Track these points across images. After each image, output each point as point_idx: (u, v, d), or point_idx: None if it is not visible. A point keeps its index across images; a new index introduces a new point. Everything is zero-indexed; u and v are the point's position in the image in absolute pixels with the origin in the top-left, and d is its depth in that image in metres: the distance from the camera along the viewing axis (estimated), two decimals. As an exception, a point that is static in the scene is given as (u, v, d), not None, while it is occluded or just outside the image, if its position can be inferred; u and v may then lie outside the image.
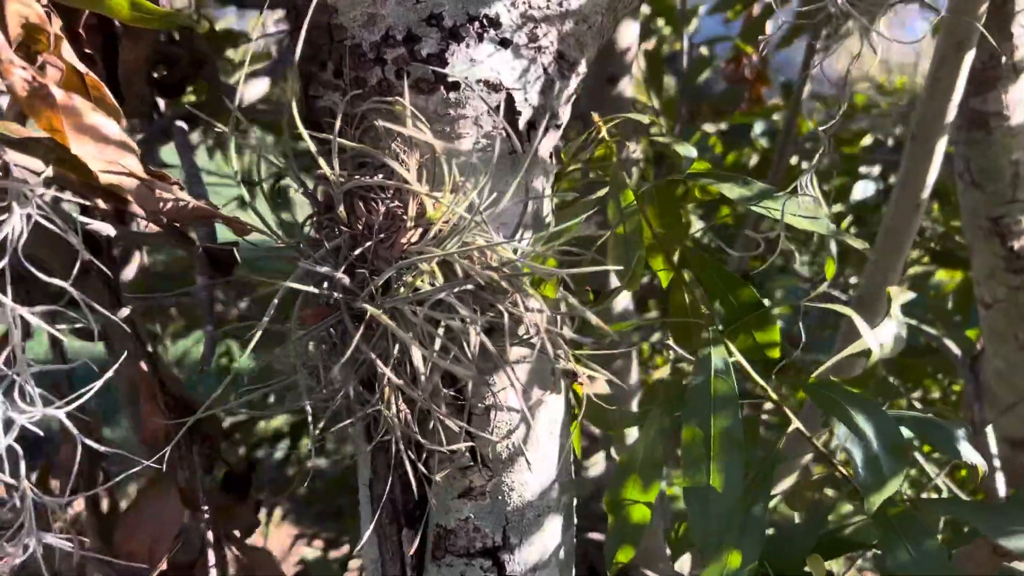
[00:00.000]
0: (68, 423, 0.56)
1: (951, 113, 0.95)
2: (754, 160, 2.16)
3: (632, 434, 1.49)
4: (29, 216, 0.50)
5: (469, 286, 0.61)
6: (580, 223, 0.61)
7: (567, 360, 0.61)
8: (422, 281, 0.62)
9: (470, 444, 0.72)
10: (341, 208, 0.65)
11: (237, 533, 0.88)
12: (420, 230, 0.62)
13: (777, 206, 0.73)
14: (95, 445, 0.56)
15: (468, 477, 0.76)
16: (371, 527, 0.78)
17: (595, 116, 0.78)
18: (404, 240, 0.62)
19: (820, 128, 0.70)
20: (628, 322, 0.71)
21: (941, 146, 0.98)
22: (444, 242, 0.61)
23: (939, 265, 1.94)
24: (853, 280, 2.12)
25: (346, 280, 0.60)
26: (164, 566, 0.78)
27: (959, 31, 0.92)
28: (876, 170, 2.23)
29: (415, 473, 0.78)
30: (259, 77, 1.15)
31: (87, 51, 0.66)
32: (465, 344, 0.62)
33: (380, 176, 0.65)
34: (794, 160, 1.98)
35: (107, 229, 0.63)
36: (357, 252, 0.64)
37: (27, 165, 0.52)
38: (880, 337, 0.85)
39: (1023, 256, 1.25)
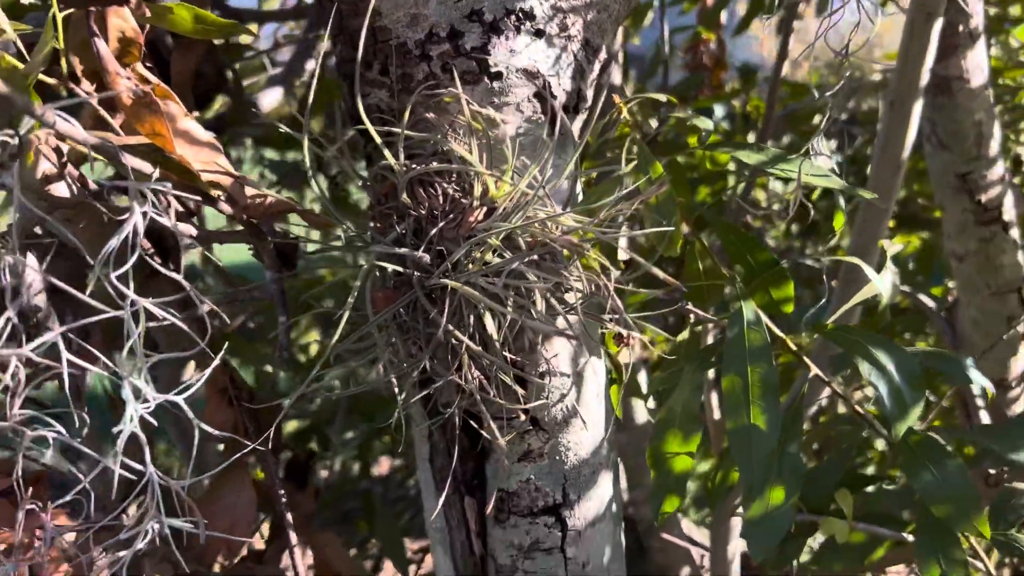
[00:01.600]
0: (187, 409, 0.60)
1: (925, 78, 1.03)
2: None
3: (639, 407, 1.56)
4: (145, 214, 0.54)
5: (534, 256, 0.66)
6: (618, 196, 0.66)
7: (625, 324, 0.67)
8: (491, 255, 0.67)
9: (537, 403, 0.77)
10: (404, 195, 0.70)
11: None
12: (485, 209, 0.68)
13: (792, 167, 0.79)
14: (211, 430, 0.61)
15: (527, 441, 0.81)
16: (442, 498, 0.83)
17: (616, 98, 0.84)
18: (472, 219, 0.67)
19: (827, 94, 0.77)
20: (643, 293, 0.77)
21: (917, 109, 1.06)
22: (509, 217, 0.66)
23: (904, 228, 2.05)
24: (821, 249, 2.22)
25: (427, 259, 0.65)
26: (244, 552, 0.82)
27: (928, 3, 1.01)
28: (834, 144, 2.34)
29: (474, 443, 0.84)
30: (273, 87, 1.20)
31: (147, 64, 0.70)
32: (533, 309, 0.68)
33: (439, 162, 0.70)
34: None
35: (189, 229, 0.67)
36: (424, 234, 0.69)
37: (138, 167, 0.56)
38: (882, 285, 0.92)
39: (991, 208, 1.35)
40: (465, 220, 0.67)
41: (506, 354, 0.73)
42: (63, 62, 0.58)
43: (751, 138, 2.26)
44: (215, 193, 0.63)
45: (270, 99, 1.17)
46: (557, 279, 0.66)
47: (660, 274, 0.63)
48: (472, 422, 0.80)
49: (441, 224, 0.68)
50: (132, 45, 0.58)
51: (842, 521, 0.93)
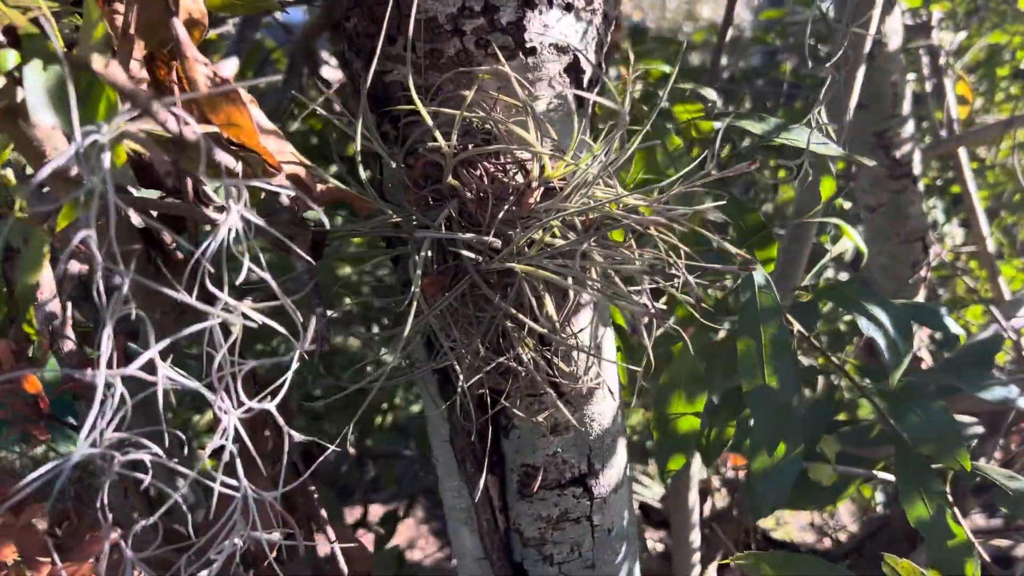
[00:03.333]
0: (278, 416, 0.57)
1: (869, 42, 1.09)
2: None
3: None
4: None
5: (593, 238, 0.66)
6: (701, 173, 0.67)
7: (695, 300, 0.68)
8: (551, 236, 0.66)
9: (576, 378, 0.78)
10: (450, 178, 0.68)
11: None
12: (542, 189, 0.67)
13: (796, 136, 0.83)
14: (297, 435, 0.58)
15: (555, 415, 0.82)
16: (483, 479, 0.82)
17: (623, 69, 0.84)
18: (531, 200, 0.66)
19: (827, 65, 0.80)
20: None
21: (860, 73, 1.13)
22: (569, 197, 0.66)
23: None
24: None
25: (498, 243, 0.64)
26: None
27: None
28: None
29: (491, 421, 0.84)
30: (228, 58, 1.11)
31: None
32: (590, 288, 0.68)
33: (483, 141, 0.69)
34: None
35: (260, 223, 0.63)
36: (472, 216, 0.68)
37: (226, 162, 0.52)
38: (859, 239, 0.99)
39: (903, 163, 1.46)
40: (524, 202, 0.66)
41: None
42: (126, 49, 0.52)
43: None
44: (283, 183, 0.59)
45: (228, 70, 1.09)
46: (620, 258, 0.66)
47: (732, 249, 0.65)
48: (490, 400, 0.80)
49: (495, 207, 0.67)
50: (197, 27, 0.53)
51: (827, 466, 1.00)
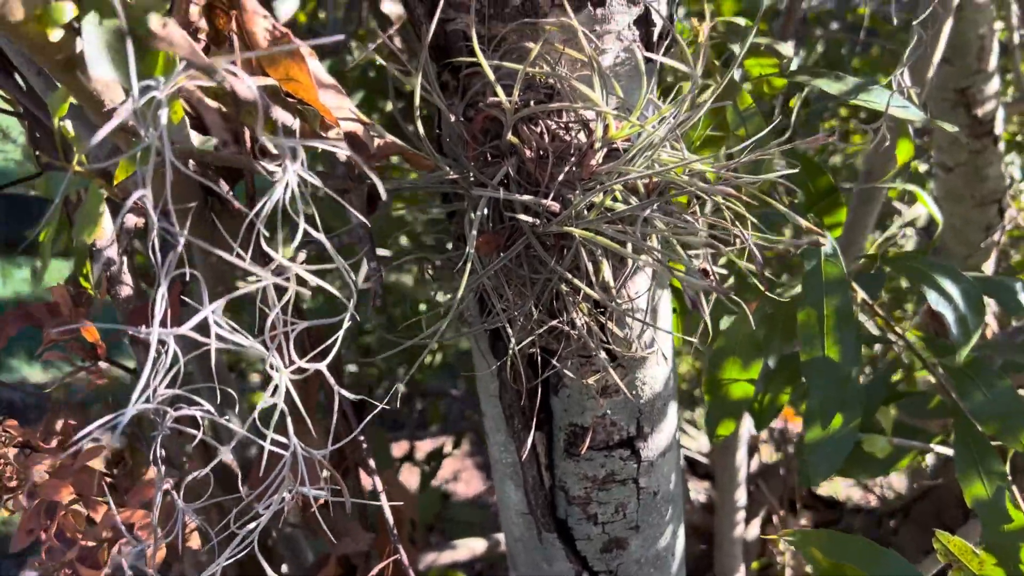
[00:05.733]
0: (329, 376, 0.57)
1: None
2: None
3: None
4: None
5: (655, 204, 0.64)
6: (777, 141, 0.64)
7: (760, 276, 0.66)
8: (612, 200, 0.64)
9: (628, 343, 0.76)
10: (510, 135, 0.66)
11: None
12: (604, 150, 0.65)
13: (875, 98, 0.78)
14: (349, 395, 0.58)
15: (605, 377, 0.81)
16: (531, 437, 0.82)
17: (696, 22, 0.80)
18: (593, 162, 0.64)
19: (915, 23, 0.75)
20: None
21: (947, 28, 1.06)
22: (633, 160, 0.64)
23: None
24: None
25: (556, 207, 0.62)
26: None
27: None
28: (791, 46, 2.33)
29: (543, 382, 0.83)
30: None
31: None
32: (649, 254, 0.66)
33: (546, 97, 0.66)
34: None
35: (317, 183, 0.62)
36: (531, 176, 0.66)
37: (284, 119, 0.51)
38: (934, 207, 0.94)
39: (985, 122, 1.38)
40: (586, 163, 0.64)
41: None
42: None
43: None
44: (340, 139, 0.57)
45: (287, 7, 1.07)
46: (683, 225, 0.64)
47: (804, 223, 0.62)
48: (541, 359, 0.79)
49: (554, 167, 0.65)
50: (254, -24, 0.51)
51: (882, 437, 0.97)
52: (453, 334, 0.76)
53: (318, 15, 1.79)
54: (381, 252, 0.86)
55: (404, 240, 1.76)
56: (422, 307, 1.65)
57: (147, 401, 0.51)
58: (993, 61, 1.35)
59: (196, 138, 0.65)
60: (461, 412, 2.29)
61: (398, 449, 2.08)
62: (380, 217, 1.29)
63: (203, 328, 0.50)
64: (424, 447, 2.10)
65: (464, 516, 1.62)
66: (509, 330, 0.71)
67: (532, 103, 0.65)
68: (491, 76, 0.64)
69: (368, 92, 1.70)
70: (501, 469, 0.90)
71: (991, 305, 1.47)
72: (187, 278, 0.52)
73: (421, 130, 0.66)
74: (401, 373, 1.84)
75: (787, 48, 0.79)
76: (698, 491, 2.05)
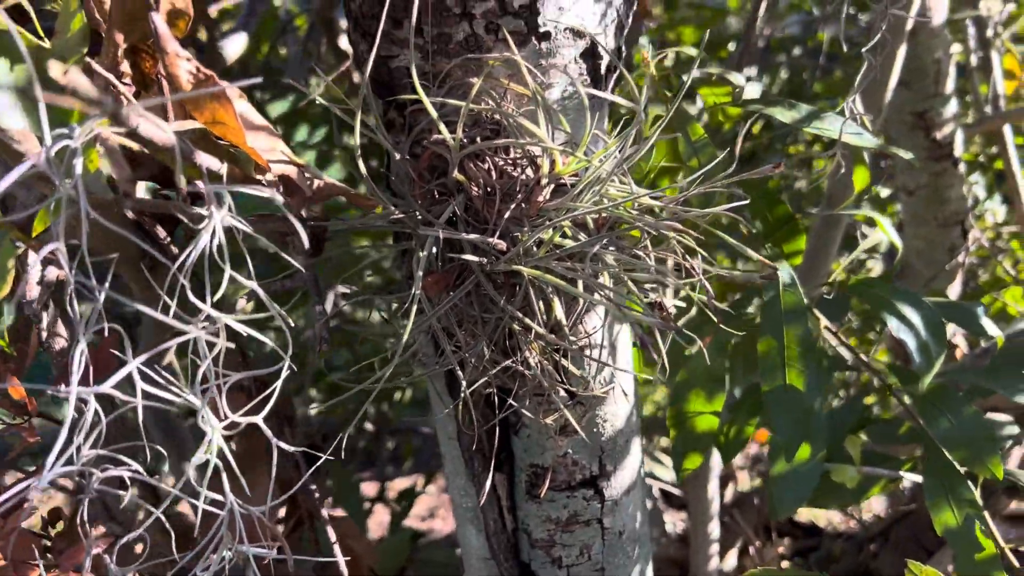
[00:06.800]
0: (266, 429, 0.55)
1: (910, 23, 1.03)
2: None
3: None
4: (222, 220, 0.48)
5: (604, 239, 0.63)
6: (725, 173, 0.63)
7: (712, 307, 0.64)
8: (561, 236, 0.63)
9: (584, 381, 0.75)
10: (456, 172, 0.65)
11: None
12: (552, 186, 0.63)
13: (828, 126, 0.78)
14: (289, 447, 0.55)
15: (564, 415, 0.79)
16: (490, 479, 0.80)
17: (643, 53, 0.80)
18: (540, 199, 0.62)
19: (864, 50, 0.75)
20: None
21: (902, 53, 1.07)
22: (581, 196, 0.62)
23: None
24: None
25: (503, 245, 0.60)
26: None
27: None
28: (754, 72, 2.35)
29: (502, 422, 0.81)
30: (236, 32, 1.07)
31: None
32: (599, 292, 0.65)
33: (491, 133, 0.65)
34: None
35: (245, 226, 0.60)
36: (479, 213, 0.64)
37: (208, 164, 0.49)
38: (892, 233, 0.94)
39: (944, 145, 1.39)
40: (534, 200, 0.62)
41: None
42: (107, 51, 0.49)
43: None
44: (273, 183, 0.56)
45: (235, 46, 1.05)
46: (634, 261, 0.62)
47: (755, 255, 0.61)
48: (497, 399, 0.77)
49: (502, 204, 0.63)
50: (182, 17, 0.50)
51: (851, 467, 0.96)
52: (410, 376, 0.74)
53: (278, 50, 1.77)
54: (343, 289, 0.84)
55: (370, 275, 1.73)
56: (391, 342, 1.62)
57: (70, 463, 0.48)
58: (950, 84, 1.36)
59: (141, 184, 0.63)
60: (433, 449, 2.25)
61: (372, 488, 2.04)
62: (342, 253, 1.27)
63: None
64: (398, 485, 2.06)
65: (438, 557, 1.59)
66: (460, 372, 0.69)
67: (478, 139, 0.64)
68: (433, 113, 0.63)
69: (331, 128, 1.69)
70: (462, 514, 0.88)
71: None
72: (120, 329, 0.50)
73: (363, 169, 0.64)
74: (372, 412, 1.81)
75: (739, 77, 0.79)
76: (674, 522, 2.02)
